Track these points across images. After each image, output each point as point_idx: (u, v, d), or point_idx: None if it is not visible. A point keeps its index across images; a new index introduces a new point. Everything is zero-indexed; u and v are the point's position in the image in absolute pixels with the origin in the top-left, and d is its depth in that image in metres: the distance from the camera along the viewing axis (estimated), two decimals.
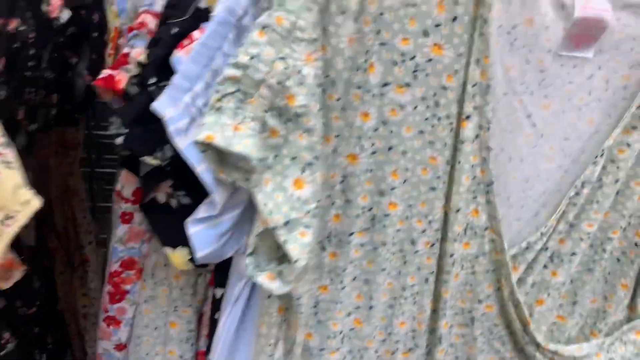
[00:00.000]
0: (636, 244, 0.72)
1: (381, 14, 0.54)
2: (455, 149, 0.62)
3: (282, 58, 0.51)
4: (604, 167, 0.69)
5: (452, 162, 0.63)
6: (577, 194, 0.69)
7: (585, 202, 0.70)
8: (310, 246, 0.55)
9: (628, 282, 0.75)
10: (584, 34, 0.60)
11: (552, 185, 0.70)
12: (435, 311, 0.70)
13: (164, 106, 0.53)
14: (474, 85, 0.58)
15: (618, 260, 0.74)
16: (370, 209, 0.64)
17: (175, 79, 0.52)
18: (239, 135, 0.52)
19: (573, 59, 0.63)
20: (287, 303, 0.65)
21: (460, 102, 0.59)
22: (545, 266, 0.73)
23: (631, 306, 0.76)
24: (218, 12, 0.51)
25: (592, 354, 0.73)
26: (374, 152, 0.61)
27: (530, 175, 0.69)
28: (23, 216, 0.55)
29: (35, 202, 0.55)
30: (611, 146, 0.67)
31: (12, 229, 0.54)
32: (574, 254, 0.72)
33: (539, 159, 0.68)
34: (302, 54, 0.51)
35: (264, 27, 0.50)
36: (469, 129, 0.60)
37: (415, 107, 0.59)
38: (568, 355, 0.73)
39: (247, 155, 0.51)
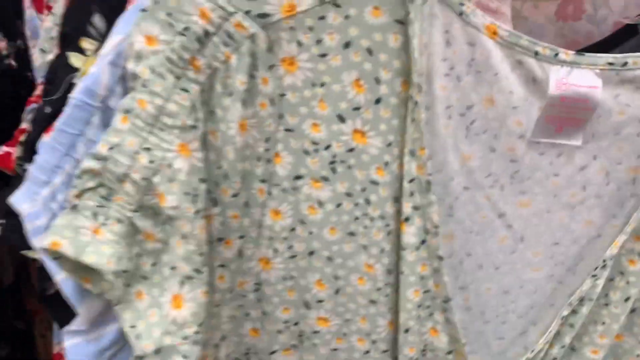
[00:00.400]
0: None
1: (282, 95, 0.43)
2: (398, 257, 0.49)
3: (146, 149, 0.41)
4: (610, 280, 0.54)
5: (396, 272, 0.50)
6: (574, 312, 0.54)
7: (587, 322, 0.55)
8: None
9: None
10: (566, 116, 0.46)
11: (541, 299, 0.55)
12: None
13: (21, 201, 0.44)
14: (411, 181, 0.45)
15: None
16: (296, 324, 0.52)
17: (31, 171, 0.43)
18: (96, 242, 0.42)
19: (557, 147, 0.48)
20: None
21: (398, 201, 0.47)
22: None
23: None
24: (74, 93, 0.42)
25: None
26: (292, 257, 0.49)
27: (511, 286, 0.54)
28: None
29: None
30: (617, 255, 0.52)
31: None
32: None
33: (521, 267, 0.53)
34: (173, 144, 0.41)
35: (126, 112, 0.41)
36: (410, 234, 0.47)
37: (339, 205, 0.47)
38: None
39: (100, 268, 0.41)
